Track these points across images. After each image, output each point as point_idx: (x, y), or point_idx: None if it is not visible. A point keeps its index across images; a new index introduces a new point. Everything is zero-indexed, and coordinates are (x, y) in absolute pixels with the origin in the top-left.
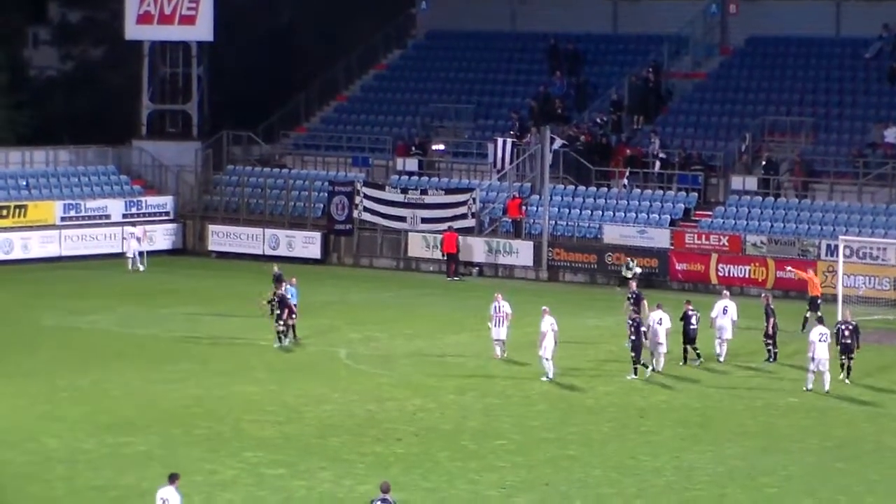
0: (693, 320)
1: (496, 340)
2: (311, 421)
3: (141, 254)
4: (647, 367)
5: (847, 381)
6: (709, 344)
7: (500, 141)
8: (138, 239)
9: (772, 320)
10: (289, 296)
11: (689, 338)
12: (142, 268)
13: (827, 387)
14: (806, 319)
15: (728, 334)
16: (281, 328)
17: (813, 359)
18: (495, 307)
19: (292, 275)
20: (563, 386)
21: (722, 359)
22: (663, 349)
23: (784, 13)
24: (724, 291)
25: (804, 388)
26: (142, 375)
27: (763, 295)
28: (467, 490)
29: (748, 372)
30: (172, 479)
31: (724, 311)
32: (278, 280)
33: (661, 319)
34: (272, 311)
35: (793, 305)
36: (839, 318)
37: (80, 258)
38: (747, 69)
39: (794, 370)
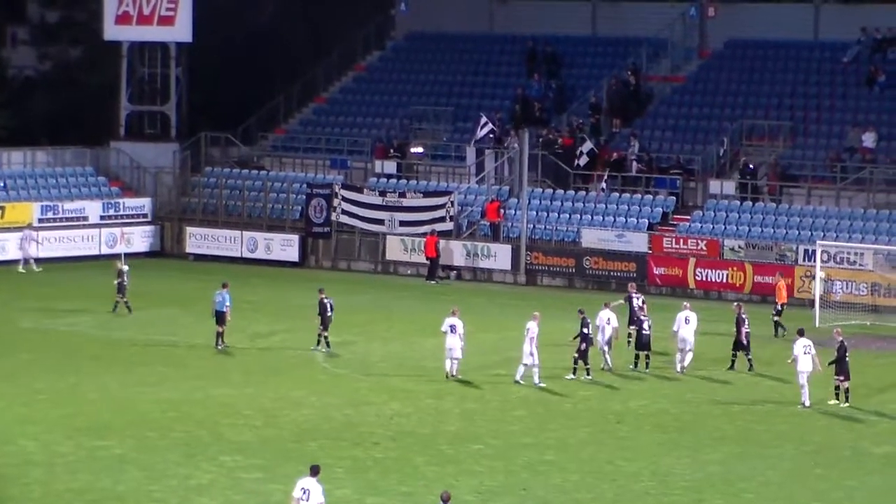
0: (645, 325)
1: (451, 359)
2: (289, 425)
3: (27, 259)
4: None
5: (846, 403)
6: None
7: (483, 119)
8: (35, 241)
9: (743, 329)
10: (219, 300)
11: (641, 343)
12: (36, 269)
13: (808, 402)
14: (777, 325)
15: (691, 345)
16: (320, 331)
17: (800, 372)
18: (451, 326)
19: (268, 277)
20: (540, 390)
21: (683, 370)
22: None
23: (762, 16)
24: (685, 303)
25: (800, 405)
26: (119, 379)
27: (735, 304)
28: None
29: (724, 378)
30: (314, 470)
31: (686, 321)
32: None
33: (609, 319)
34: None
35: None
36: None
37: (57, 260)
38: (726, 72)
39: (769, 378)
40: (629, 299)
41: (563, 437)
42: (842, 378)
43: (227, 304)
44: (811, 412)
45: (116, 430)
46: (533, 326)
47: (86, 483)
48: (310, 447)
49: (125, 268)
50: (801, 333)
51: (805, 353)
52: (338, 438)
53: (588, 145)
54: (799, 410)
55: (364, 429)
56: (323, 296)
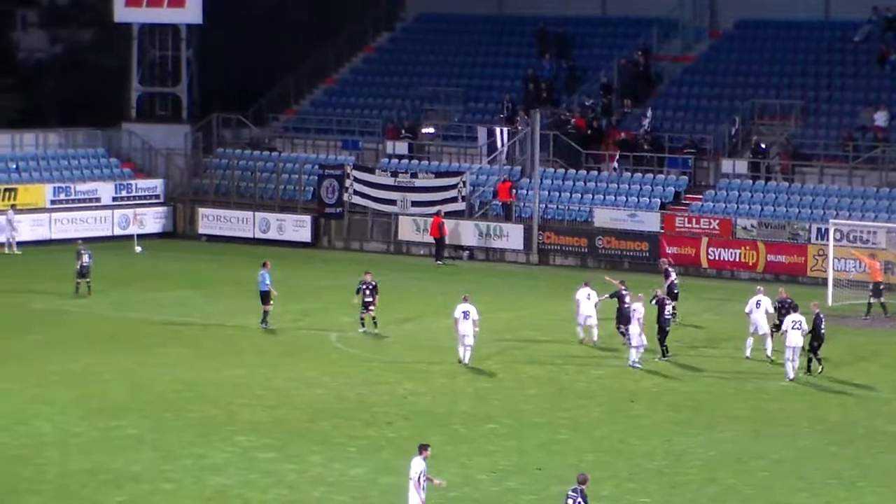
0: (627, 298)
1: (463, 346)
2: (302, 405)
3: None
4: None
5: (819, 372)
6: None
7: (497, 130)
8: (10, 222)
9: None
10: (259, 279)
11: (623, 318)
12: (17, 251)
13: (792, 375)
14: (870, 305)
15: (764, 329)
16: (364, 313)
17: (787, 347)
18: (464, 313)
19: (280, 258)
20: (554, 369)
21: (770, 358)
22: (593, 321)
23: None
24: (758, 287)
25: (786, 380)
26: (133, 359)
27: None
28: (459, 474)
29: (738, 356)
30: (421, 449)
31: (758, 304)
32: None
33: (589, 295)
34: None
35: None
36: (815, 309)
37: (70, 241)
38: (736, 52)
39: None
40: (666, 273)
41: (576, 416)
42: (814, 350)
43: (268, 282)
44: (821, 390)
45: (131, 410)
46: (639, 308)
47: (100, 463)
48: (323, 427)
49: (83, 250)
50: (794, 309)
51: (794, 328)
52: (351, 418)
53: (648, 116)
54: (785, 385)
55: (378, 408)
56: (369, 277)
